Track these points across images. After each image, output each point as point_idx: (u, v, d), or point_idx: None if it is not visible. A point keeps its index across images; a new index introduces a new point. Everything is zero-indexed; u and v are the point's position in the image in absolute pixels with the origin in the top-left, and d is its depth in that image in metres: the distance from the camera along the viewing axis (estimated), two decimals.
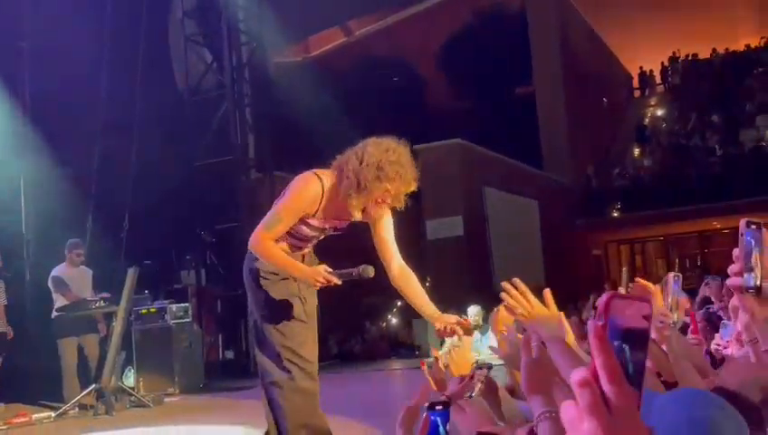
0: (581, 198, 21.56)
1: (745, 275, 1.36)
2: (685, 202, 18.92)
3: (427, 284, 14.11)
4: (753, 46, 25.44)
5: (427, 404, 1.29)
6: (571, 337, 2.05)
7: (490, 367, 2.25)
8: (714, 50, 25.98)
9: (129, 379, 8.92)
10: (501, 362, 2.54)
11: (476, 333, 11.10)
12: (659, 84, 27.60)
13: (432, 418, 1.28)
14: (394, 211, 3.55)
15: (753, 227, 1.37)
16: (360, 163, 3.29)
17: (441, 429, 1.28)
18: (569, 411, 0.68)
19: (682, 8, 24.12)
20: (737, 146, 20.11)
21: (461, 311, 11.80)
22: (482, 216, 15.77)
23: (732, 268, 1.38)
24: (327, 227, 3.56)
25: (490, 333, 10.84)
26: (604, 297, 0.73)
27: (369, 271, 3.29)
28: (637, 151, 23.68)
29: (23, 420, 7.21)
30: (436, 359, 2.66)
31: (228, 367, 11.34)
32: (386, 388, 9.73)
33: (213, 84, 12.42)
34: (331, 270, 3.29)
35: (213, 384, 9.78)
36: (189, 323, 9.59)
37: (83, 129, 10.27)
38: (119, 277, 8.08)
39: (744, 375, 1.95)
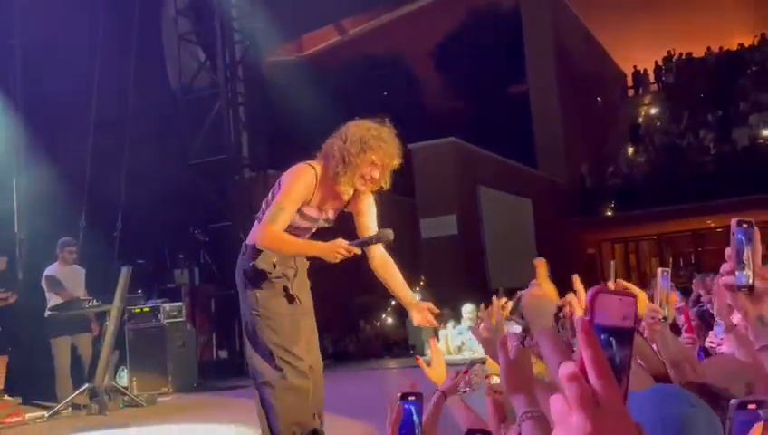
0: (575, 197, 21.60)
1: (737, 274, 1.36)
2: (678, 201, 18.98)
3: (422, 282, 14.13)
4: (746, 45, 25.49)
5: (399, 394, 1.30)
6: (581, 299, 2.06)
7: (484, 362, 2.25)
8: (708, 49, 26.04)
9: (123, 378, 8.90)
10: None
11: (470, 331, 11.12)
12: (653, 83, 27.65)
13: (405, 407, 1.28)
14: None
15: (745, 225, 1.36)
16: (344, 142, 3.41)
17: (415, 417, 1.28)
18: (557, 405, 0.68)
19: (675, 7, 24.17)
20: (731, 145, 20.17)
21: (455, 309, 11.83)
22: (476, 214, 15.79)
23: (724, 267, 1.37)
24: (321, 217, 3.63)
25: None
26: (591, 292, 0.74)
27: (389, 234, 3.45)
28: (631, 150, 23.73)
29: (16, 419, 7.18)
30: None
31: (222, 366, 11.32)
32: (381, 386, 9.72)
33: (206, 83, 12.38)
34: (347, 242, 3.36)
35: (206, 384, 9.76)
36: (183, 323, 9.57)
37: (76, 127, 10.22)
38: (112, 277, 8.05)
39: (726, 368, 1.95)
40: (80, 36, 9.97)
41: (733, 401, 1.14)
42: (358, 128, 3.45)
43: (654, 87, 27.63)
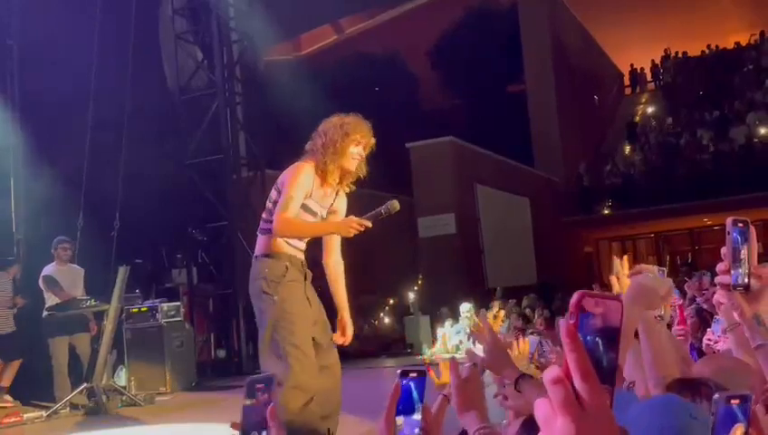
0: (573, 196, 21.62)
1: (732, 273, 1.37)
2: (675, 199, 18.99)
3: (420, 281, 14.15)
4: (743, 44, 25.53)
5: (400, 371, 1.30)
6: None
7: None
8: (707, 47, 26.07)
9: (121, 378, 8.90)
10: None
11: (468, 330, 11.12)
12: (650, 82, 27.68)
13: (404, 384, 1.28)
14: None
15: (740, 224, 1.37)
16: (326, 135, 3.76)
17: (415, 394, 1.28)
18: (542, 409, 0.69)
19: (672, 6, 24.19)
20: (728, 143, 20.19)
21: (453, 308, 11.84)
22: (474, 213, 15.80)
23: (720, 266, 1.38)
24: (320, 211, 3.88)
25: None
26: (575, 296, 0.73)
27: (395, 205, 3.70)
28: (628, 149, 23.74)
29: (14, 419, 7.17)
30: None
31: (220, 366, 11.33)
32: (378, 386, 9.73)
33: (203, 83, 12.37)
34: (358, 218, 3.65)
35: (205, 383, 9.76)
36: (181, 322, 9.57)
37: (73, 127, 10.21)
38: (110, 276, 8.05)
39: (724, 366, 1.96)
40: (77, 36, 9.96)
41: (716, 397, 1.15)
42: (331, 121, 3.81)
43: (651, 86, 27.66)
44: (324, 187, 3.83)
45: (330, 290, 4.07)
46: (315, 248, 4.06)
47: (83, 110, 10.22)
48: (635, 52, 26.50)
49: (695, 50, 26.10)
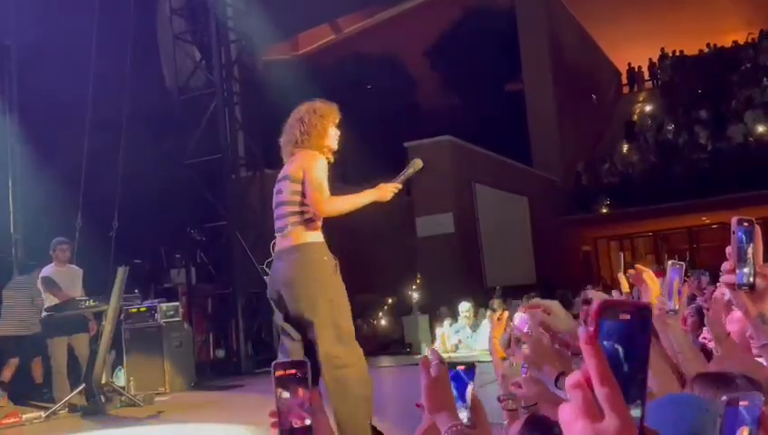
0: (571, 195, 21.63)
1: (738, 272, 1.37)
2: (673, 198, 19.01)
3: (418, 280, 14.14)
4: (740, 42, 25.55)
5: (446, 363, 1.32)
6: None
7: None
8: (704, 46, 26.09)
9: (120, 378, 8.89)
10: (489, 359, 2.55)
11: (468, 329, 11.12)
12: (648, 81, 27.70)
13: (452, 374, 1.30)
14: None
15: (745, 224, 1.37)
16: (302, 124, 3.99)
17: (464, 377, 1.29)
18: (564, 413, 0.72)
19: (670, 4, 24.22)
20: (726, 142, 20.21)
21: (452, 307, 11.83)
22: (472, 212, 15.79)
23: (725, 266, 1.38)
24: None
25: (480, 330, 10.87)
26: (596, 304, 0.74)
27: (419, 162, 4.09)
28: (625, 148, 23.76)
29: (13, 420, 7.17)
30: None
31: (219, 366, 11.31)
32: (377, 386, 9.73)
33: (202, 82, 12.36)
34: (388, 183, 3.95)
35: (204, 383, 9.75)
36: (179, 322, 9.56)
37: (71, 128, 10.20)
38: (108, 276, 8.04)
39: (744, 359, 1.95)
40: (75, 36, 9.96)
41: (723, 398, 1.15)
42: (301, 110, 4.06)
43: (649, 84, 27.68)
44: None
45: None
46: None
47: (82, 110, 10.21)
48: (633, 50, 26.51)
49: (692, 48, 26.12)
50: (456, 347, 10.96)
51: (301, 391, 1.13)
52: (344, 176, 11.82)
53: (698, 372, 1.82)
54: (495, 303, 12.18)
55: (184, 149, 11.75)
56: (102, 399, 7.45)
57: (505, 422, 2.19)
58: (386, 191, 3.92)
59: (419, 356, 11.47)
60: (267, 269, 4.39)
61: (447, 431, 1.26)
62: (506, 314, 2.37)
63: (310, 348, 3.89)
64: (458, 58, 24.08)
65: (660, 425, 1.29)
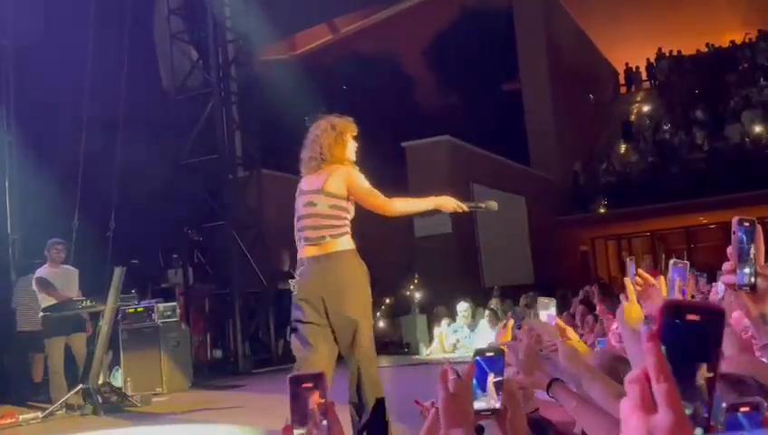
0: (568, 195, 21.64)
1: (738, 273, 1.36)
2: (671, 198, 19.02)
3: (416, 281, 14.13)
4: (738, 42, 25.58)
5: (476, 349, 1.32)
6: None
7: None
8: (702, 45, 26.12)
9: (117, 379, 8.87)
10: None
11: (465, 329, 11.12)
12: (645, 81, 27.72)
13: (478, 361, 1.29)
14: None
15: (746, 224, 1.37)
16: (322, 140, 4.09)
17: (487, 368, 1.29)
18: (623, 408, 0.75)
19: (667, 5, 24.23)
20: (723, 141, 20.23)
21: (450, 307, 11.83)
22: (470, 213, 15.77)
23: (725, 266, 1.38)
24: None
25: (478, 330, 10.86)
26: (662, 303, 0.78)
27: (494, 205, 4.26)
28: (623, 148, 23.79)
29: (10, 420, 7.16)
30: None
31: (217, 366, 11.30)
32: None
33: (199, 82, 12.34)
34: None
35: (201, 383, 9.73)
36: (177, 323, 9.53)
37: (68, 127, 10.19)
38: (105, 277, 8.03)
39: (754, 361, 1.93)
40: (72, 36, 9.94)
41: (723, 405, 1.14)
42: (320, 126, 4.16)
43: (646, 84, 27.70)
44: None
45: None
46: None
47: (79, 110, 10.19)
48: (630, 50, 26.54)
49: (690, 48, 26.15)
50: (454, 347, 10.96)
51: (316, 403, 1.14)
52: None
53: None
54: (493, 302, 12.19)
55: (181, 149, 11.74)
56: (99, 399, 7.43)
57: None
58: (450, 202, 4.13)
59: (417, 356, 11.47)
60: (293, 272, 4.44)
61: None
62: (512, 322, 2.38)
63: (330, 356, 4.05)
64: (456, 58, 24.07)
65: None
